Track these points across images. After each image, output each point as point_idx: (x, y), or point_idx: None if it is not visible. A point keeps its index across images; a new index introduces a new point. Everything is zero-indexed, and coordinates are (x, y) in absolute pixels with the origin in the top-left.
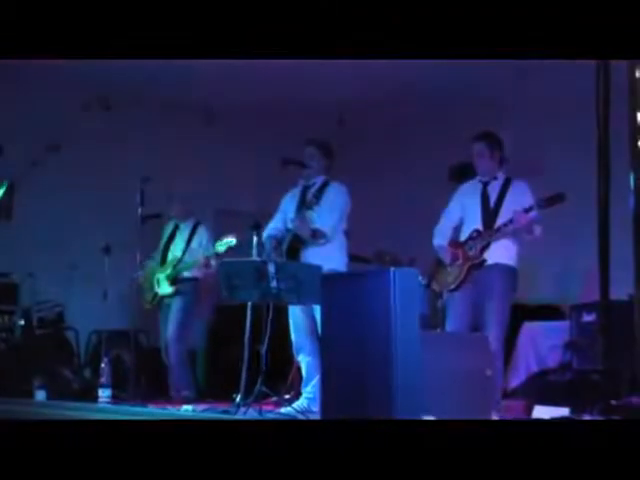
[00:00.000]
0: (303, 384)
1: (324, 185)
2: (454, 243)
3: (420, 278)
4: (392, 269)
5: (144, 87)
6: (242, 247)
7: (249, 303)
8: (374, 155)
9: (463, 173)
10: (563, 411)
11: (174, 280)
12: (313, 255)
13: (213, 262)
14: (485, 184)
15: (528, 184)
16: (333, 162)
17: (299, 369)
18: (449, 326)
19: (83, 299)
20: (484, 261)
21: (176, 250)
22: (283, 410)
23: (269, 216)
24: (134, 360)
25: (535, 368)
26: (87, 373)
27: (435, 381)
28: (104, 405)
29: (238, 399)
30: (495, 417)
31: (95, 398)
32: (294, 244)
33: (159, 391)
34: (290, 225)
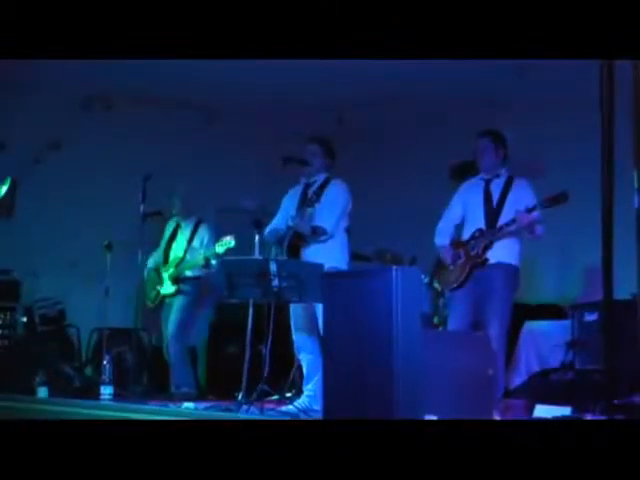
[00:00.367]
0: (304, 382)
1: (325, 183)
2: (456, 242)
3: (422, 277)
4: (394, 268)
5: (145, 86)
6: (243, 246)
7: (250, 301)
8: (375, 154)
9: (464, 172)
10: (565, 410)
11: (176, 279)
12: (314, 252)
13: (213, 262)
14: (487, 182)
15: (530, 183)
16: (334, 160)
17: (300, 367)
18: (451, 325)
19: (85, 296)
20: (486, 260)
21: (178, 249)
22: (284, 408)
23: (270, 214)
24: (135, 358)
25: (537, 367)
26: (89, 370)
27: (437, 380)
28: (105, 402)
29: (240, 397)
30: (496, 416)
31: (97, 395)
32: (295, 241)
33: (160, 389)
34: (291, 222)
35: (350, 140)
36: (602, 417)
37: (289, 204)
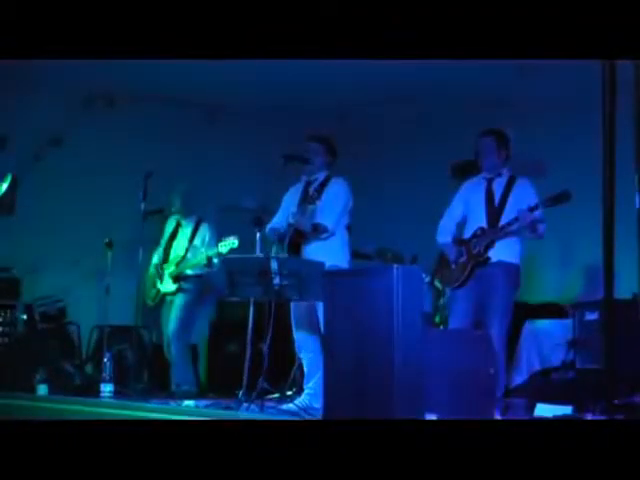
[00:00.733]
0: (305, 381)
1: (326, 180)
2: (458, 240)
3: (423, 276)
4: (395, 266)
5: (147, 84)
6: (244, 244)
7: (251, 300)
8: (376, 152)
9: (466, 170)
10: (565, 409)
11: (177, 278)
12: (315, 250)
13: (215, 261)
14: (489, 181)
15: (532, 182)
16: (335, 158)
17: (301, 366)
18: (452, 324)
19: (85, 294)
20: (488, 259)
21: (179, 248)
22: (285, 407)
23: (271, 213)
24: (136, 356)
25: (538, 366)
26: (89, 368)
27: (437, 379)
28: (106, 400)
29: (240, 395)
30: (497, 415)
31: (97, 393)
32: (295, 239)
33: (161, 387)
34: (292, 220)
35: (351, 139)
36: (602, 416)
37: (290, 202)
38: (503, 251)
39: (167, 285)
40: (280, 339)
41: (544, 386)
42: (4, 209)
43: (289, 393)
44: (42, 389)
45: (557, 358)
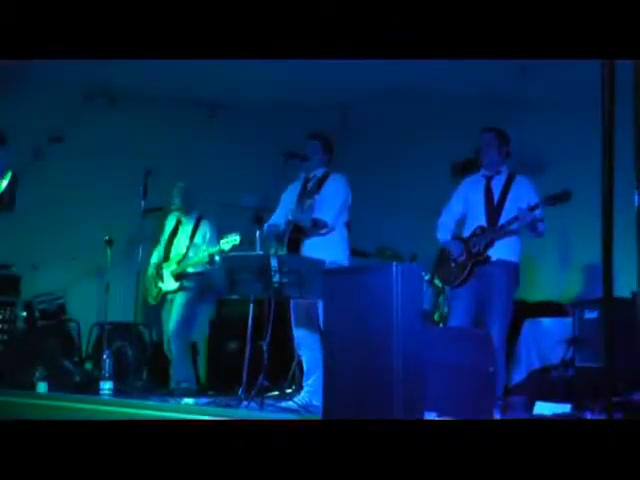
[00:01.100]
0: (305, 378)
1: (325, 176)
2: (457, 239)
3: (422, 274)
4: (395, 264)
5: (147, 81)
6: (244, 242)
7: (251, 297)
8: (376, 150)
9: (466, 168)
10: (565, 408)
11: (179, 276)
12: (314, 246)
13: (217, 258)
14: (488, 179)
15: (531, 180)
16: (332, 155)
17: (301, 363)
18: (451, 322)
19: (85, 291)
20: (488, 258)
21: (180, 246)
22: (284, 404)
23: (271, 210)
24: (135, 353)
25: (537, 364)
26: (88, 366)
27: (437, 377)
28: (105, 398)
29: (240, 393)
30: (497, 413)
31: (96, 391)
32: (295, 235)
33: (160, 384)
34: (290, 216)
35: (351, 137)
36: (602, 414)
37: (288, 199)
38: (503, 250)
39: (169, 283)
40: (280, 337)
41: (543, 384)
42: (4, 206)
43: (289, 391)
44: (42, 386)
45: (556, 356)
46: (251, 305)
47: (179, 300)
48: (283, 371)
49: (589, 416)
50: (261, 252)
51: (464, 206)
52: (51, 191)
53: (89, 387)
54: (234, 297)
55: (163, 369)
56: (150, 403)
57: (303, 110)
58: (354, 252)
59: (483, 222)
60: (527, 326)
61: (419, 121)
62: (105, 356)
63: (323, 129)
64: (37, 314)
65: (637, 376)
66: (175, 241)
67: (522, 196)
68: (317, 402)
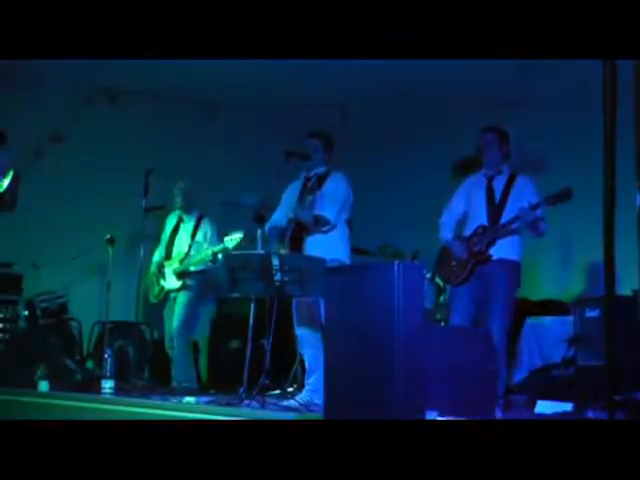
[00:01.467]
0: (306, 376)
1: (325, 175)
2: (459, 238)
3: (424, 272)
4: (396, 262)
5: (148, 80)
6: (247, 240)
7: (252, 296)
8: (377, 148)
9: (467, 167)
10: (566, 406)
11: (181, 274)
12: (316, 244)
13: (220, 256)
14: (490, 179)
15: (533, 180)
16: (332, 154)
17: (302, 362)
18: (453, 321)
19: (86, 290)
20: (489, 257)
21: (181, 244)
22: (286, 403)
23: (272, 209)
24: (137, 352)
25: (538, 363)
26: (90, 364)
27: (438, 375)
28: (107, 396)
29: (241, 391)
30: (498, 412)
31: (98, 389)
32: (297, 233)
33: (162, 383)
34: (292, 214)
35: (352, 135)
36: (603, 413)
37: (289, 198)
38: (504, 249)
39: (171, 282)
40: (282, 335)
41: (545, 383)
42: (5, 205)
43: (290, 389)
44: (43, 385)
45: (558, 355)
46: (252, 304)
47: (182, 299)
48: (285, 370)
49: (591, 415)
50: (262, 251)
51: (465, 205)
52: (52, 190)
53: (90, 386)
54: (235, 296)
55: (164, 368)
56: (151, 402)
57: (303, 109)
58: (356, 250)
59: (484, 221)
60: (528, 325)
61: (420, 120)
62: (106, 355)
63: (324, 128)
64: (39, 313)
65: (639, 375)
66: (176, 239)
67: (523, 196)
68: (318, 401)
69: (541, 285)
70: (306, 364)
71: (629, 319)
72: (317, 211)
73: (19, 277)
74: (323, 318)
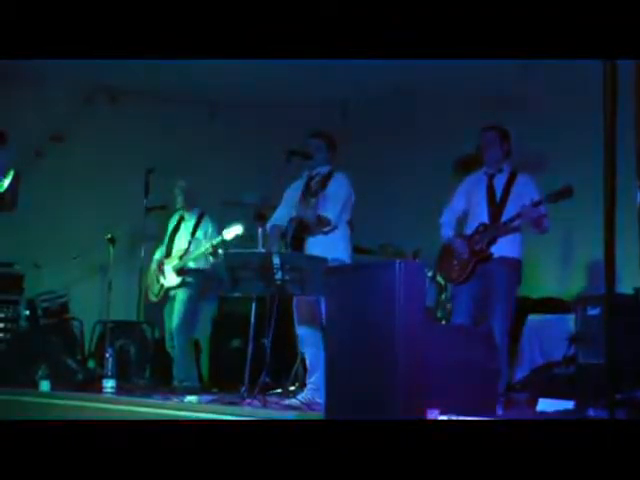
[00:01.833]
0: (307, 375)
1: (328, 175)
2: (460, 236)
3: (425, 271)
4: (397, 261)
5: (148, 80)
6: (245, 239)
7: (254, 295)
8: (377, 147)
9: (467, 166)
10: (568, 404)
11: (180, 271)
12: (317, 244)
13: (220, 251)
14: (490, 177)
15: (533, 178)
16: (336, 154)
17: (304, 360)
18: (454, 319)
19: (88, 290)
20: (490, 255)
21: (181, 241)
22: (287, 401)
23: (273, 208)
24: (138, 351)
25: (540, 361)
26: (91, 364)
27: (439, 374)
28: (108, 396)
29: (242, 390)
30: (499, 410)
31: (99, 389)
32: (299, 233)
33: (163, 382)
34: (294, 213)
35: (353, 134)
36: (604, 411)
37: (291, 197)
38: (505, 247)
39: (170, 279)
40: (283, 334)
41: (546, 381)
42: (6, 205)
43: (292, 388)
44: (44, 385)
45: (559, 353)
46: (253, 303)
47: (181, 297)
48: (286, 369)
49: (592, 413)
50: (263, 249)
51: (466, 204)
52: (53, 190)
53: (92, 385)
54: (236, 295)
55: (166, 367)
56: (153, 401)
57: (304, 108)
58: (357, 249)
59: (485, 219)
60: (529, 323)
61: (420, 119)
62: (108, 354)
63: (326, 127)
64: (40, 312)
65: None
66: (177, 237)
67: (524, 194)
68: (320, 399)
69: (542, 283)
70: (307, 363)
71: (630, 317)
72: (320, 211)
73: (20, 277)
74: (324, 317)
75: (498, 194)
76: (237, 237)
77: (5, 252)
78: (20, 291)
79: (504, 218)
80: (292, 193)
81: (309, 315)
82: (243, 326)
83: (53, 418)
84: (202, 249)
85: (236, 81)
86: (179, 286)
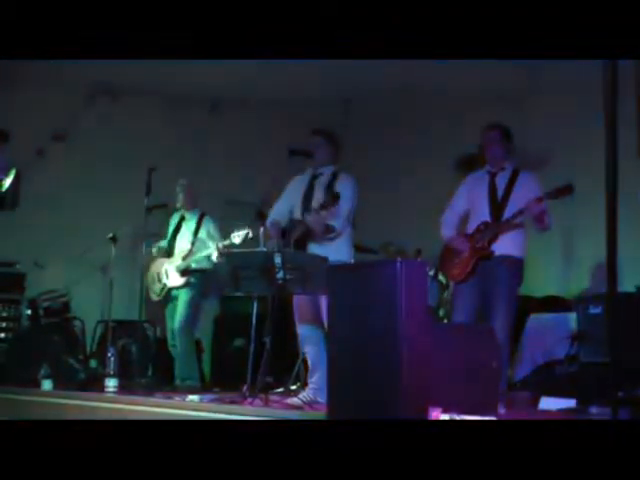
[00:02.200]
0: (309, 375)
1: (333, 179)
2: (461, 235)
3: (427, 269)
4: (399, 260)
5: (149, 78)
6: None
7: (255, 294)
8: (380, 146)
9: (470, 164)
10: (569, 403)
11: (184, 272)
12: (321, 248)
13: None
14: (492, 175)
15: (536, 176)
16: (339, 151)
17: (305, 360)
18: (456, 318)
19: (89, 289)
20: (492, 253)
21: (183, 242)
22: (289, 401)
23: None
24: (140, 350)
25: (541, 360)
26: (93, 363)
27: (441, 372)
28: (110, 395)
29: (244, 390)
30: (501, 409)
31: (101, 388)
32: (303, 237)
33: (165, 381)
34: (297, 214)
35: (356, 133)
36: (606, 409)
37: (293, 192)
38: (506, 245)
39: (174, 279)
40: (285, 333)
41: (548, 379)
42: (8, 204)
43: (293, 387)
44: (46, 384)
45: (561, 352)
46: (255, 302)
47: (184, 297)
48: (288, 368)
49: (594, 411)
50: (264, 249)
51: (468, 202)
52: (54, 189)
53: (94, 384)
54: (239, 294)
55: (168, 366)
56: (155, 400)
57: (306, 106)
58: (358, 248)
59: (487, 218)
60: (531, 321)
61: (422, 117)
62: (109, 353)
63: (329, 125)
64: (41, 312)
65: None
66: (178, 237)
67: (526, 192)
68: (322, 399)
69: (544, 282)
70: (309, 362)
71: (632, 315)
72: (328, 220)
73: (22, 276)
74: (325, 316)
75: (500, 192)
76: (245, 241)
77: (7, 251)
78: (22, 290)
79: (506, 216)
80: (295, 189)
81: (310, 314)
82: (245, 325)
83: (55, 417)
84: (209, 250)
85: (237, 79)
86: (182, 286)
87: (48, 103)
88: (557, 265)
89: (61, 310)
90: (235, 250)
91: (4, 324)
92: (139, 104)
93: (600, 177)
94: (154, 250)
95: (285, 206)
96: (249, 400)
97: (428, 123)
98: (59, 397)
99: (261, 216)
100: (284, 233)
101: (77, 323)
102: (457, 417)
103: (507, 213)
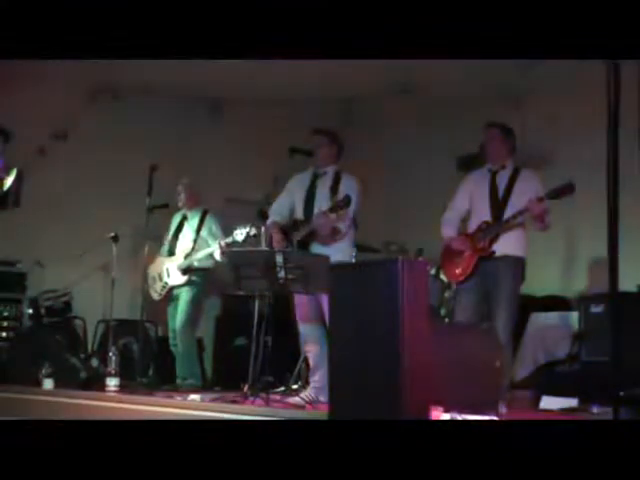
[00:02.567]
0: (310, 374)
1: (337, 179)
2: (463, 234)
3: (428, 268)
4: (400, 259)
5: (151, 77)
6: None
7: (256, 293)
8: (380, 145)
9: (471, 163)
10: (571, 402)
11: (186, 270)
12: (323, 247)
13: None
14: (494, 174)
15: (537, 174)
16: (341, 150)
17: (307, 359)
18: (457, 317)
19: (91, 288)
20: (493, 252)
21: (185, 240)
22: (291, 400)
23: None
24: (141, 349)
25: (543, 359)
26: (94, 362)
27: (443, 372)
28: (111, 394)
29: (246, 389)
30: (503, 408)
31: (102, 387)
32: (307, 238)
33: (166, 380)
34: (299, 213)
35: (355, 132)
36: (608, 409)
37: (295, 190)
38: (508, 244)
39: (175, 278)
40: (286, 333)
41: (549, 379)
42: (9, 203)
43: (295, 387)
44: (48, 383)
45: (562, 351)
46: (256, 301)
47: (185, 296)
48: (290, 367)
49: (595, 410)
50: (266, 248)
51: (469, 201)
52: (56, 188)
53: (95, 384)
54: (240, 293)
55: (169, 365)
56: (156, 399)
57: (307, 105)
58: (360, 247)
59: (488, 217)
60: (533, 321)
61: (423, 116)
62: (111, 353)
63: (330, 125)
64: (43, 311)
65: None
66: (180, 236)
67: (527, 190)
68: (323, 398)
69: (545, 281)
70: (310, 361)
71: (634, 314)
72: (335, 223)
73: (23, 275)
74: (326, 315)
75: (501, 191)
76: (248, 238)
77: (8, 251)
78: (23, 290)
79: (507, 215)
80: (297, 187)
81: (311, 313)
82: (247, 324)
83: (56, 417)
84: (211, 249)
85: (239, 78)
86: (184, 285)
87: (49, 102)
88: (558, 264)
89: (62, 309)
90: (236, 249)
91: (5, 323)
92: (140, 103)
93: (601, 176)
94: (159, 254)
95: (286, 204)
96: (250, 399)
97: (428, 123)
98: (60, 396)
99: (263, 214)
100: (285, 233)
101: (78, 322)
102: (458, 417)
103: (508, 212)
